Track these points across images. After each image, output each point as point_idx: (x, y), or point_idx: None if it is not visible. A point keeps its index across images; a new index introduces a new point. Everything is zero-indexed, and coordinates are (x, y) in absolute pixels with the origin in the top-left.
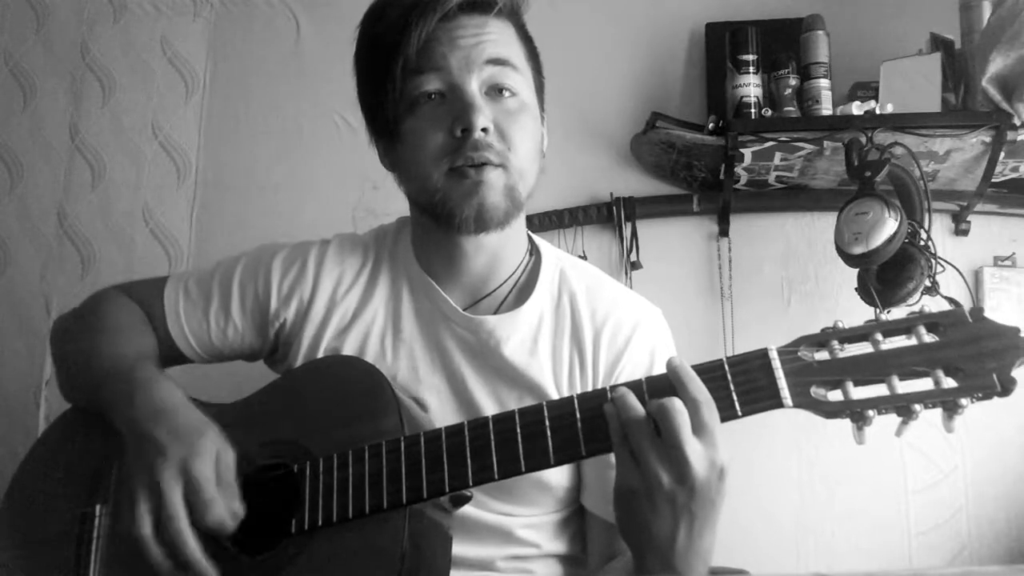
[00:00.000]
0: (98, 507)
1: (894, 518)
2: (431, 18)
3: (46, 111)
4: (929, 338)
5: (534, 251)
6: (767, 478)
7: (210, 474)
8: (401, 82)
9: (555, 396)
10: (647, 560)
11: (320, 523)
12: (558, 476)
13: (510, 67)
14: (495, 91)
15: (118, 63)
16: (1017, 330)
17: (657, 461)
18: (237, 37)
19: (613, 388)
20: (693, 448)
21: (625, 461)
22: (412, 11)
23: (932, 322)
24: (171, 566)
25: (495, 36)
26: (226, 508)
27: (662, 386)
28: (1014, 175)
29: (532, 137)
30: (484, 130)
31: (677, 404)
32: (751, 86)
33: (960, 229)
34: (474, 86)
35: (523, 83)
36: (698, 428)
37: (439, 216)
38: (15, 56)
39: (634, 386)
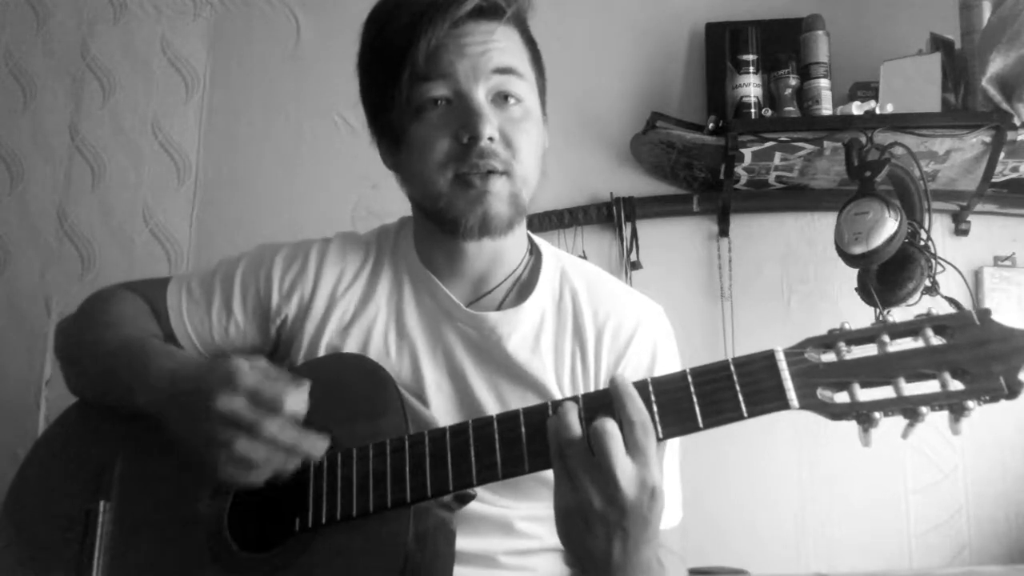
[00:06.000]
0: (102, 503)
1: (894, 518)
2: (441, 26)
3: (46, 111)
4: (936, 340)
5: (534, 250)
6: (768, 478)
7: (256, 377)
8: (408, 88)
9: (557, 393)
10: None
11: (324, 521)
12: None
13: (516, 75)
14: (501, 98)
15: (118, 63)
16: None
17: (589, 482)
18: (237, 37)
19: (556, 403)
20: (624, 470)
21: (562, 480)
22: (421, 17)
23: (939, 324)
24: (283, 457)
25: (502, 44)
26: (295, 390)
27: (601, 403)
28: (1014, 175)
29: (536, 143)
30: (490, 138)
31: (609, 426)
32: (751, 86)
33: (960, 229)
34: (481, 94)
35: (528, 90)
36: (632, 448)
37: (443, 222)
38: (15, 56)
39: (574, 401)
